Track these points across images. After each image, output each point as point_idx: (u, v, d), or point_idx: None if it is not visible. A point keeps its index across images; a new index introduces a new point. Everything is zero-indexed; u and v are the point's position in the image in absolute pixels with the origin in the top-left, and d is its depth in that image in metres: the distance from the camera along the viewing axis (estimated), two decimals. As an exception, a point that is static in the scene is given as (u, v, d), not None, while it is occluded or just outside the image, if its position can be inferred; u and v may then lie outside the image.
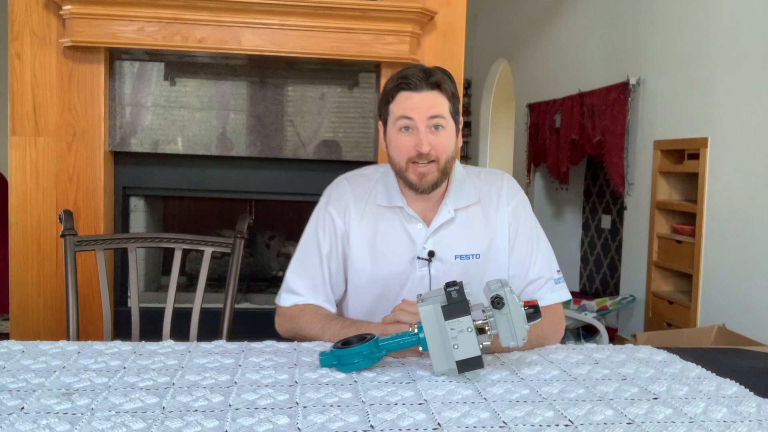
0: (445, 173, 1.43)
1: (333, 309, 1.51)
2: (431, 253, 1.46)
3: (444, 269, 1.46)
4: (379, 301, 1.48)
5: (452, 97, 1.42)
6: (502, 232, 1.49)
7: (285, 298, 1.50)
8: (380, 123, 1.49)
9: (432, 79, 1.39)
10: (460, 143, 1.48)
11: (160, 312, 1.70)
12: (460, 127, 1.47)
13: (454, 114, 1.43)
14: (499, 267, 1.49)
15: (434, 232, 1.47)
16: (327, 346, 1.31)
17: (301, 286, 1.49)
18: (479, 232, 1.48)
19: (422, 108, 1.38)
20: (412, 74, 1.40)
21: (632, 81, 3.75)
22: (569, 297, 1.53)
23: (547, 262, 1.50)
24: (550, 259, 1.51)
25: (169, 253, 1.83)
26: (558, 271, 1.51)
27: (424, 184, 1.41)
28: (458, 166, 1.51)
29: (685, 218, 3.44)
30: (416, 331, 1.16)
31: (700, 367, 1.25)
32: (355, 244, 1.49)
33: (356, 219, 1.49)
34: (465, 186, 1.50)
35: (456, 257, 1.46)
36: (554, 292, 1.48)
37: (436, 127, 1.39)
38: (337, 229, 1.50)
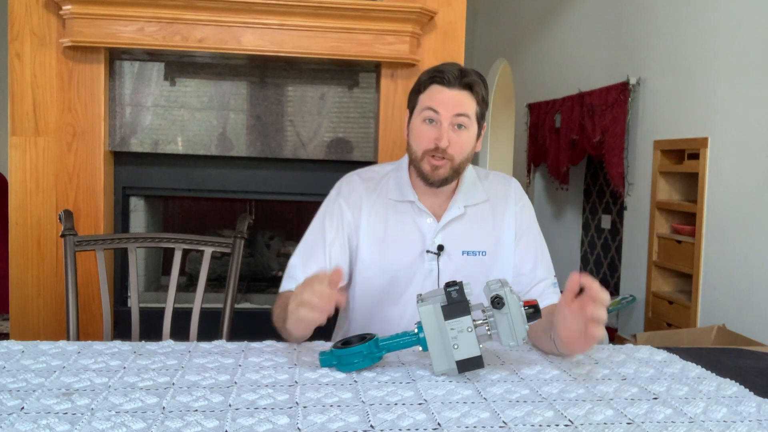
0: (457, 172, 1.46)
1: None
2: (440, 247, 1.47)
3: (451, 264, 1.48)
4: (386, 293, 1.50)
5: (481, 101, 1.44)
6: (509, 231, 1.52)
7: (283, 284, 1.51)
8: (407, 111, 1.51)
9: (466, 79, 1.42)
10: (479, 148, 1.50)
11: (160, 312, 1.70)
12: (483, 132, 1.49)
13: (480, 118, 1.45)
14: (505, 265, 1.51)
15: (444, 227, 1.49)
16: (327, 346, 1.31)
17: (302, 273, 1.48)
18: (487, 229, 1.51)
19: (450, 104, 1.41)
20: (448, 70, 1.42)
21: (632, 81, 3.75)
22: None
23: (548, 265, 1.54)
24: (550, 263, 1.56)
25: (169, 253, 1.83)
26: (554, 276, 1.55)
27: (435, 177, 1.44)
28: (469, 168, 1.54)
29: (685, 218, 3.44)
30: (416, 331, 1.17)
31: (700, 367, 1.25)
32: (364, 236, 1.50)
33: (366, 212, 1.51)
34: (475, 185, 1.54)
35: (463, 253, 1.49)
36: (557, 294, 1.51)
37: (459, 126, 1.41)
38: (344, 220, 1.51)
